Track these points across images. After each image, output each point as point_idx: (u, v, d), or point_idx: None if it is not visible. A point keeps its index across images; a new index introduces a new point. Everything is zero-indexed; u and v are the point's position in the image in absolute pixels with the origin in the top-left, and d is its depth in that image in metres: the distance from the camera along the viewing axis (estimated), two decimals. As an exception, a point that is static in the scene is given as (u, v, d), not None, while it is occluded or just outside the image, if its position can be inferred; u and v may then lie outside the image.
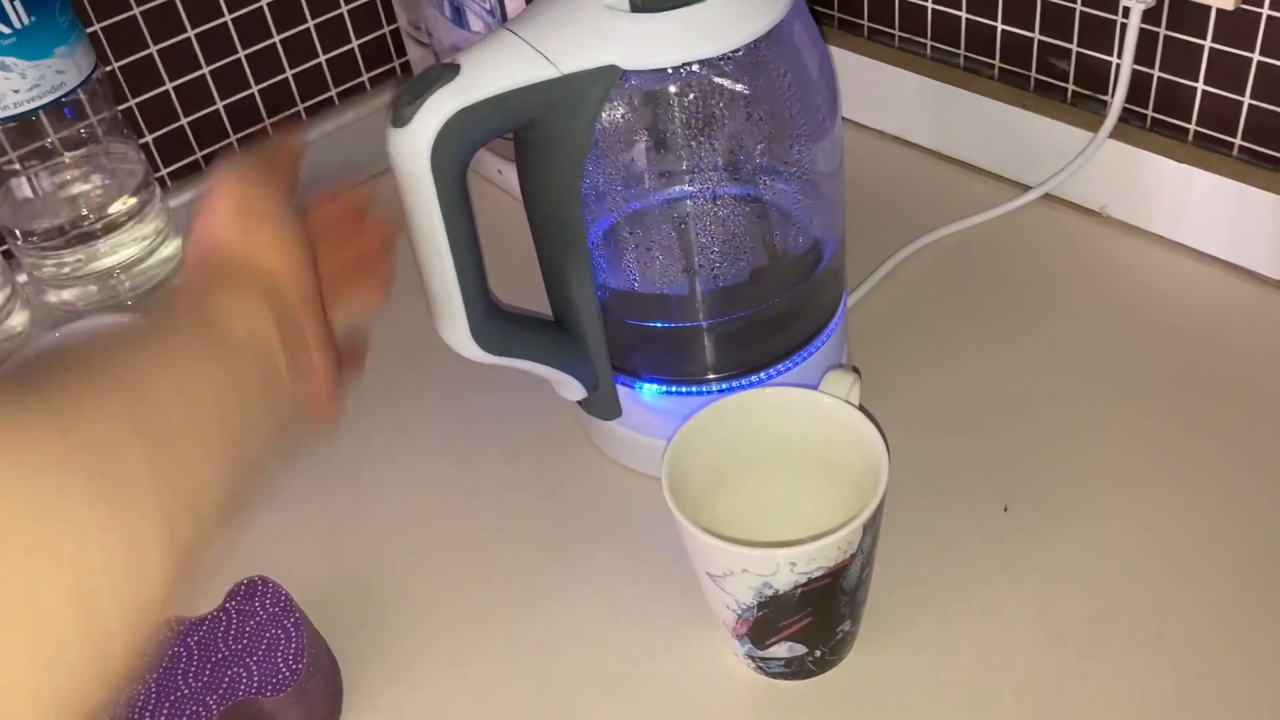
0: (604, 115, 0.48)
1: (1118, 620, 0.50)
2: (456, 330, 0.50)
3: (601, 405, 0.57)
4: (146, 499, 0.30)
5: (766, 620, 0.45)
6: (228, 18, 0.76)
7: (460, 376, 0.65)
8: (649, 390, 0.56)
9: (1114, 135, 0.67)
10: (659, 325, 0.55)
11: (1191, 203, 0.66)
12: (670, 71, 0.47)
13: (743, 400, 0.49)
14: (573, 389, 0.56)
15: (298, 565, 0.57)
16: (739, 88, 0.48)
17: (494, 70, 0.45)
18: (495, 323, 0.51)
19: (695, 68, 0.46)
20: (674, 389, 0.55)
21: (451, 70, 0.45)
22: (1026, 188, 0.72)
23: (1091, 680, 0.48)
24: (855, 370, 0.50)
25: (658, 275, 0.53)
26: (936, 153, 0.77)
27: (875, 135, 0.80)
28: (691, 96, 0.48)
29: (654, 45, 0.45)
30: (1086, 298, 0.65)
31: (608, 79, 0.45)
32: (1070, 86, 0.70)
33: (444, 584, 0.56)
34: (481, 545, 0.57)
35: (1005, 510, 0.55)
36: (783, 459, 0.50)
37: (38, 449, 0.28)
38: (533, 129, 0.48)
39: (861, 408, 0.48)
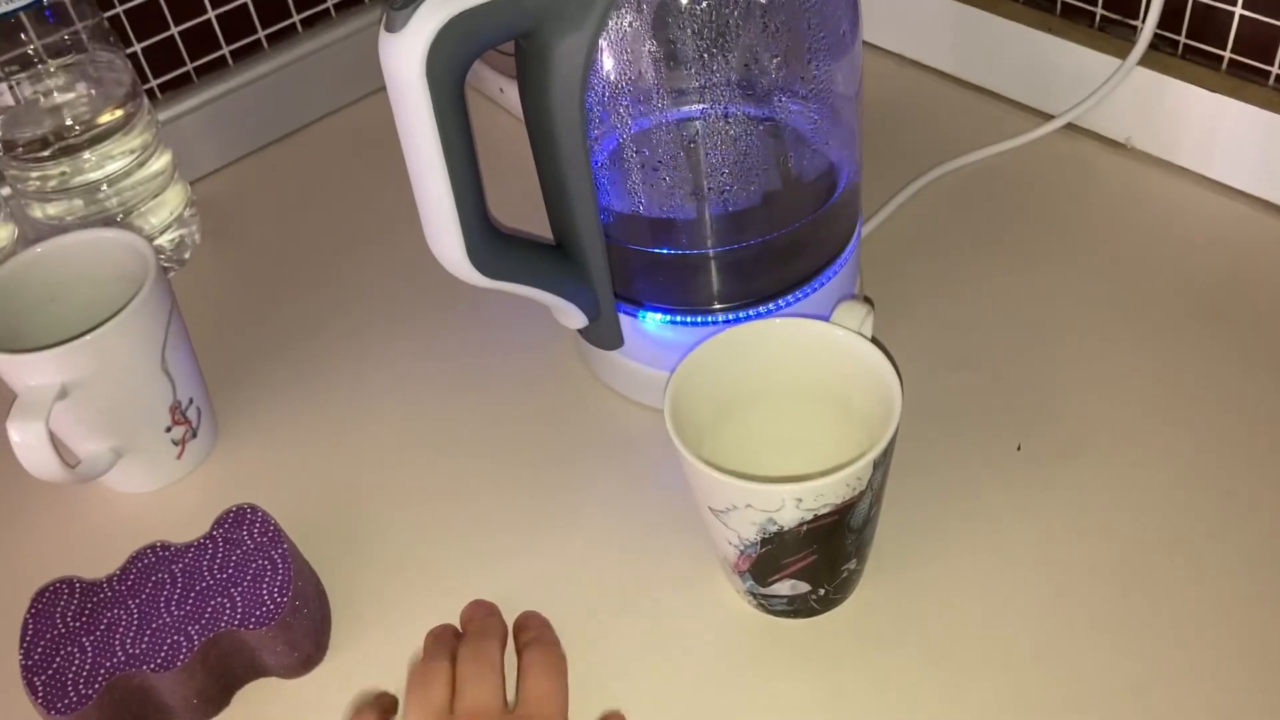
0: (611, 24, 0.45)
1: (1130, 561, 0.48)
2: (452, 250, 0.48)
3: (603, 334, 0.55)
4: None
5: (770, 557, 0.44)
6: (220, -79, 0.73)
7: (456, 305, 0.64)
8: (652, 319, 0.54)
9: (1143, 63, 0.64)
10: (665, 251, 0.52)
11: (1222, 135, 0.63)
12: None
13: (751, 330, 0.47)
14: (573, 317, 0.54)
15: (287, 495, 0.56)
16: None
17: None
18: (493, 244, 0.49)
19: None
20: (678, 319, 0.53)
21: None
22: (1049, 116, 0.69)
23: (1100, 623, 0.46)
24: (869, 301, 0.47)
25: (665, 198, 0.51)
26: (957, 78, 0.74)
27: (894, 59, 0.77)
28: (705, 5, 0.45)
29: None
30: (1108, 231, 0.63)
31: None
32: (1099, 10, 0.67)
33: (438, 516, 0.54)
34: (477, 477, 0.56)
35: (1019, 449, 0.53)
36: (791, 392, 0.48)
37: None
38: (534, 38, 0.45)
39: (874, 340, 0.46)
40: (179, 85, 0.76)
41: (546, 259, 0.52)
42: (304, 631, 0.47)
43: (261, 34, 0.78)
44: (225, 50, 0.77)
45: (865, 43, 0.77)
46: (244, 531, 0.48)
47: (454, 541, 0.53)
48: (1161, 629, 0.46)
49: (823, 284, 0.54)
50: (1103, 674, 0.45)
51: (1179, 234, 0.62)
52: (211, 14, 0.75)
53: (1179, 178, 0.65)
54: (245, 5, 0.76)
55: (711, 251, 0.52)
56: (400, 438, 0.58)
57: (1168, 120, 0.65)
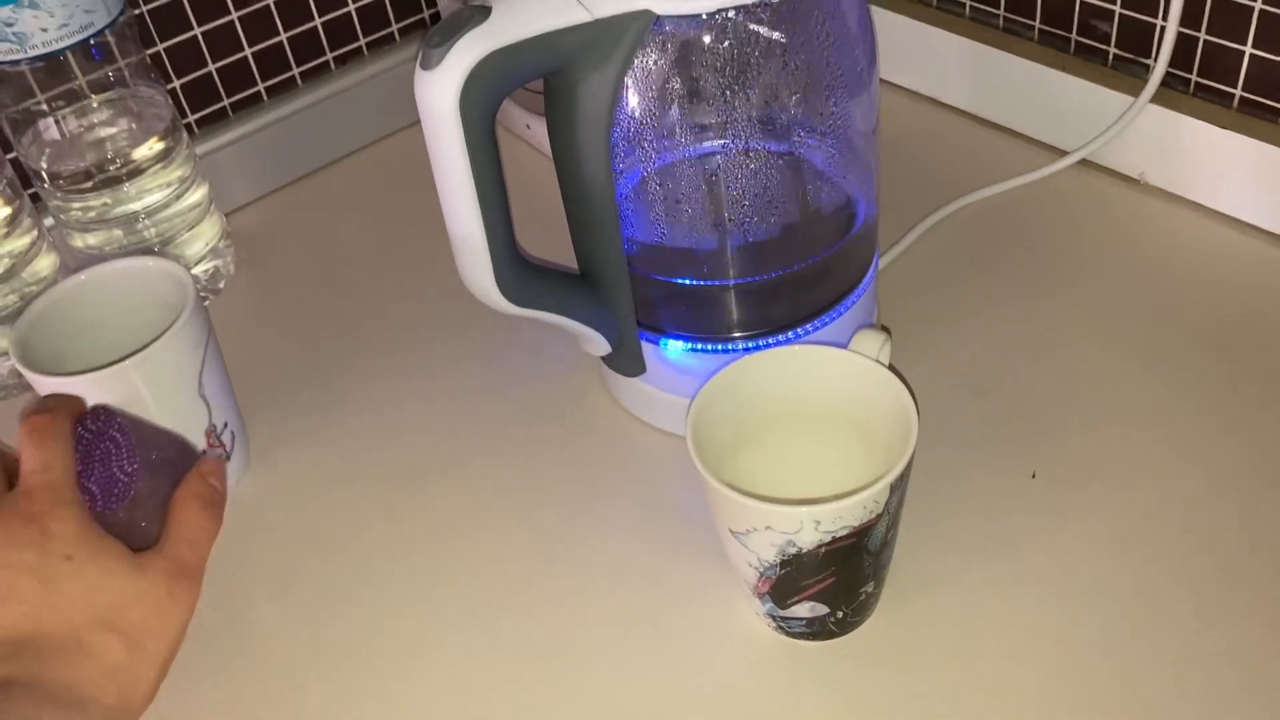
0: (636, 62, 0.47)
1: (1144, 590, 0.49)
2: (482, 279, 0.49)
3: (625, 361, 0.56)
4: None
5: (789, 579, 0.45)
6: (257, -37, 0.75)
7: (483, 334, 0.65)
8: (674, 347, 0.55)
9: (1155, 100, 0.65)
10: (686, 282, 0.54)
11: (1234, 171, 0.64)
12: (705, 17, 0.45)
13: (770, 357, 0.48)
14: (597, 344, 0.55)
15: (317, 517, 0.57)
16: (776, 36, 0.47)
17: (526, 13, 0.44)
18: (521, 273, 0.51)
19: (731, 13, 0.45)
20: (699, 346, 0.55)
21: (482, 12, 0.44)
22: (1063, 153, 0.70)
23: (1113, 653, 0.47)
24: (886, 330, 0.49)
25: (687, 230, 0.53)
26: (973, 115, 0.76)
27: (911, 96, 0.78)
28: (727, 44, 0.47)
29: (689, -10, 0.44)
30: (1122, 265, 0.64)
31: (641, 23, 0.45)
32: (1112, 49, 0.69)
33: (463, 538, 0.55)
34: (500, 497, 0.57)
35: (1033, 477, 0.54)
36: (809, 418, 0.49)
37: None
38: (563, 75, 0.47)
39: (892, 368, 0.47)
40: (216, 120, 0.78)
41: (572, 288, 0.54)
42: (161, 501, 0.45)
43: (296, 71, 0.80)
44: (260, 87, 0.79)
45: (884, 81, 0.79)
46: (83, 426, 0.45)
47: (479, 561, 0.54)
48: (1174, 660, 0.46)
49: (840, 314, 0.55)
50: (1114, 703, 0.45)
51: (1192, 268, 0.63)
52: (248, 51, 0.77)
53: (1192, 212, 0.67)
54: (280, 44, 0.79)
55: (732, 282, 0.54)
56: (428, 462, 0.59)
57: (1180, 156, 0.66)
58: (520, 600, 0.52)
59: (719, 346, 0.54)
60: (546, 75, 0.47)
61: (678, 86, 0.48)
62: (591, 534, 0.55)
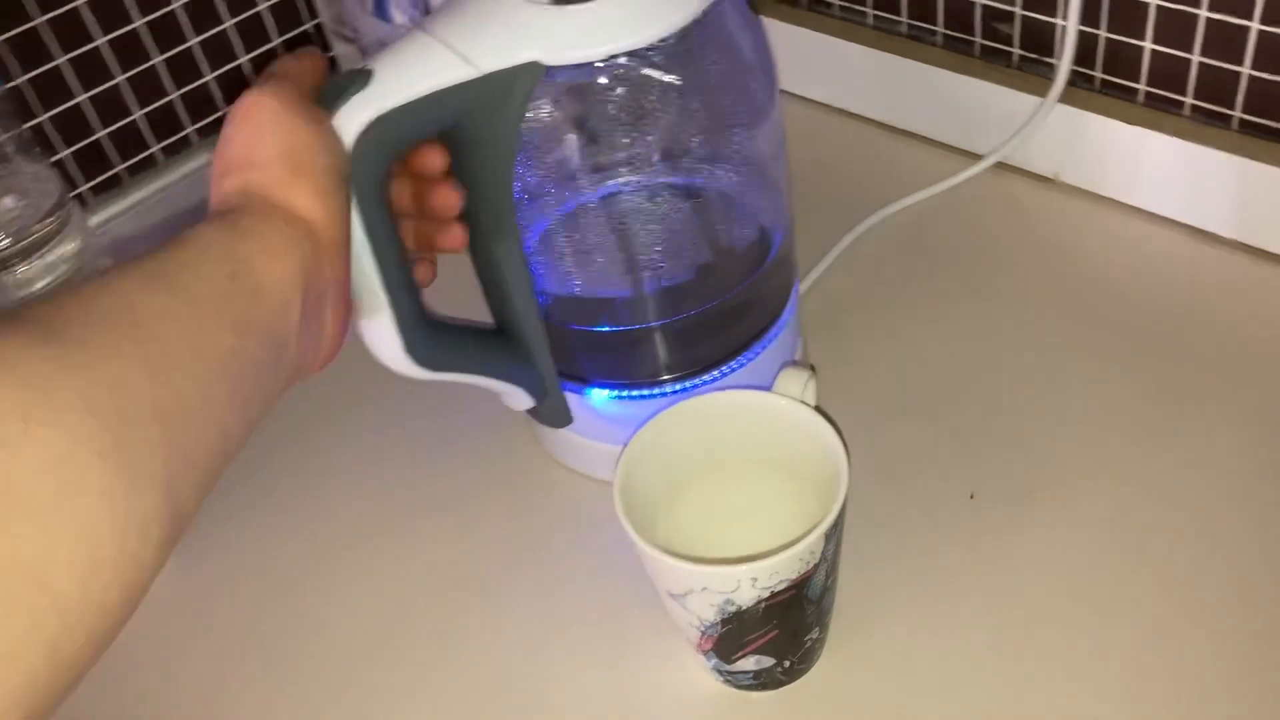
0: (531, 114, 0.45)
1: (1089, 605, 0.48)
2: (389, 347, 0.47)
3: (551, 413, 0.55)
4: (156, 470, 0.29)
5: (731, 635, 0.44)
6: (139, 22, 0.73)
7: (400, 396, 0.63)
8: (598, 396, 0.54)
9: (1063, 100, 0.65)
10: (605, 329, 0.53)
11: (1145, 165, 0.64)
12: (597, 66, 0.44)
13: (694, 406, 0.47)
14: (519, 399, 0.54)
15: (252, 606, 0.55)
16: (670, 78, 0.45)
17: (409, 74, 0.42)
18: (431, 336, 0.49)
19: (622, 60, 0.44)
20: (625, 393, 0.53)
21: (363, 76, 0.42)
22: (977, 157, 0.70)
23: (1069, 670, 0.46)
24: (811, 368, 0.48)
25: (599, 277, 0.51)
26: (883, 124, 0.75)
27: (818, 109, 0.78)
28: (620, 90, 0.45)
29: (576, 38, 0.43)
30: (1043, 268, 0.64)
31: (530, 76, 0.43)
32: (1016, 50, 0.68)
33: (392, 599, 0.54)
34: (431, 557, 0.55)
35: (971, 498, 0.53)
36: (740, 463, 0.48)
37: (50, 392, 0.27)
38: (458, 132, 0.45)
39: (818, 408, 0.46)
40: (110, 188, 0.75)
41: (487, 345, 0.52)
42: None
43: (190, 129, 0.77)
44: (154, 149, 0.77)
45: (789, 94, 0.78)
46: None
47: (408, 623, 0.52)
48: (1129, 676, 0.46)
49: (765, 347, 0.54)
50: (1071, 723, 0.45)
51: (1113, 266, 0.63)
52: (138, 114, 0.75)
53: (1108, 209, 0.66)
54: (171, 103, 0.76)
55: (652, 326, 0.52)
56: (359, 533, 0.57)
57: (1091, 153, 0.66)
58: (460, 666, 0.50)
59: (644, 392, 0.53)
60: (441, 133, 0.46)
61: (576, 135, 0.47)
62: (527, 589, 0.53)
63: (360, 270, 0.45)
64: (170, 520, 0.29)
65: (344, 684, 0.51)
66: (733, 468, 0.48)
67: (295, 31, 0.80)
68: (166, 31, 0.74)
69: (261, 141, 0.39)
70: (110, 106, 0.73)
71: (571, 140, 0.47)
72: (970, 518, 0.52)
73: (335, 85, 0.42)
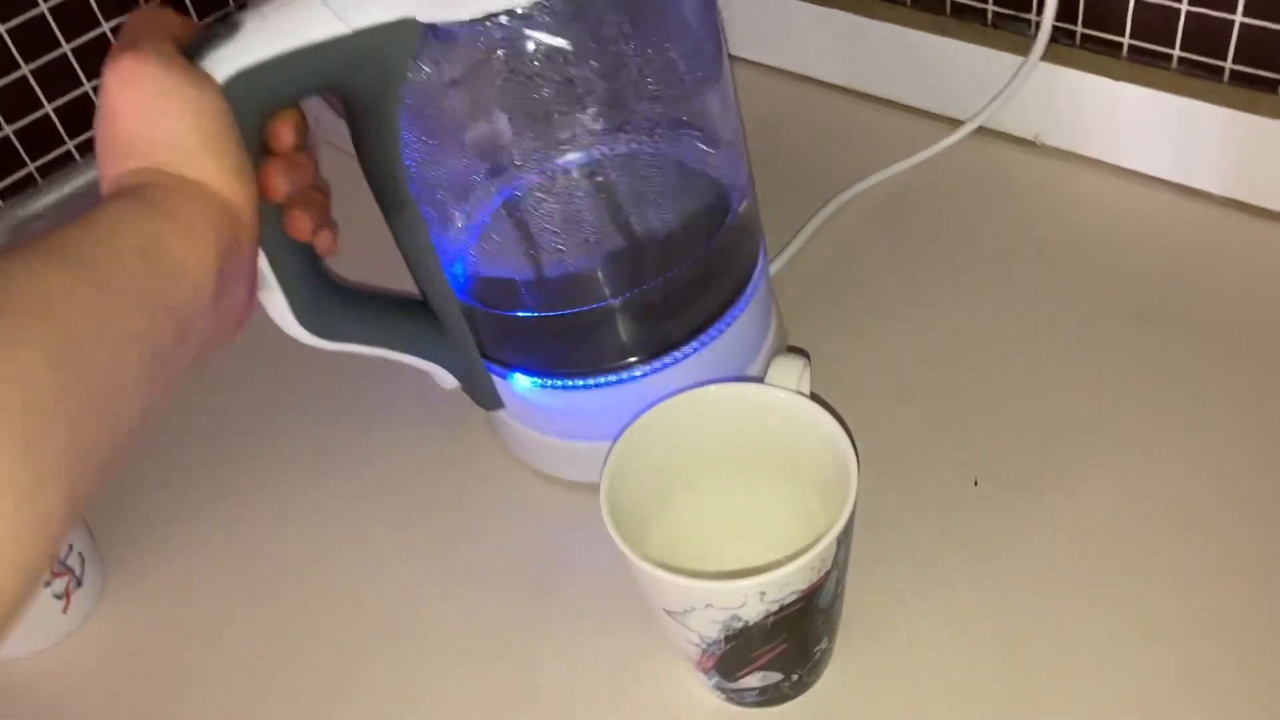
0: (426, 79, 0.41)
1: (1104, 598, 0.45)
2: (282, 316, 0.44)
3: (480, 395, 0.51)
4: (61, 463, 0.28)
5: (736, 652, 0.40)
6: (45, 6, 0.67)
7: (332, 384, 0.59)
8: (521, 383, 0.49)
9: (1045, 57, 0.62)
10: (523, 314, 0.48)
11: (1131, 123, 0.61)
12: (488, 24, 0.40)
13: (685, 402, 0.43)
14: (442, 378, 0.50)
15: (187, 639, 0.50)
16: (560, 42, 0.41)
17: (275, 28, 0.38)
18: (328, 302, 0.45)
19: (505, 20, 0.40)
20: (549, 382, 0.49)
21: (229, 28, 0.38)
22: (955, 122, 0.66)
23: (1080, 668, 0.43)
24: (804, 354, 0.44)
25: (516, 261, 0.47)
26: (854, 91, 0.71)
27: (784, 76, 0.74)
28: (520, 51, 0.41)
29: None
30: (1032, 235, 0.60)
31: (406, 35, 0.39)
32: (990, 7, 0.65)
33: (353, 620, 0.49)
34: (393, 584, 0.51)
35: (975, 484, 0.50)
36: (735, 461, 0.44)
37: None
38: (343, 92, 0.41)
39: (815, 396, 0.42)
40: (24, 187, 0.70)
41: (403, 318, 0.48)
42: None
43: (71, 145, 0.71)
44: (70, 145, 0.71)
45: (751, 61, 0.74)
46: None
47: (378, 650, 0.48)
48: (1139, 665, 0.43)
49: (730, 322, 0.49)
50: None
51: (1103, 230, 0.60)
52: (49, 108, 0.69)
53: (1091, 170, 0.63)
54: (87, 94, 0.70)
55: (578, 311, 0.48)
56: (307, 546, 0.53)
57: (1074, 113, 0.63)
58: (433, 691, 0.46)
59: (574, 382, 0.49)
60: (322, 93, 0.42)
61: (473, 104, 0.43)
62: (498, 604, 0.49)
63: None
64: (70, 512, 0.29)
65: (309, 707, 0.46)
66: (727, 468, 0.44)
67: None
68: (73, 19, 0.68)
69: (163, 116, 0.35)
70: (18, 99, 0.68)
71: (468, 111, 0.43)
72: (975, 506, 0.49)
73: (199, 37, 0.38)
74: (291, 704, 0.47)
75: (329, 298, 0.45)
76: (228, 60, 0.37)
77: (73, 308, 0.30)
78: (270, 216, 0.40)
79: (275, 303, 0.43)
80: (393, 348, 0.48)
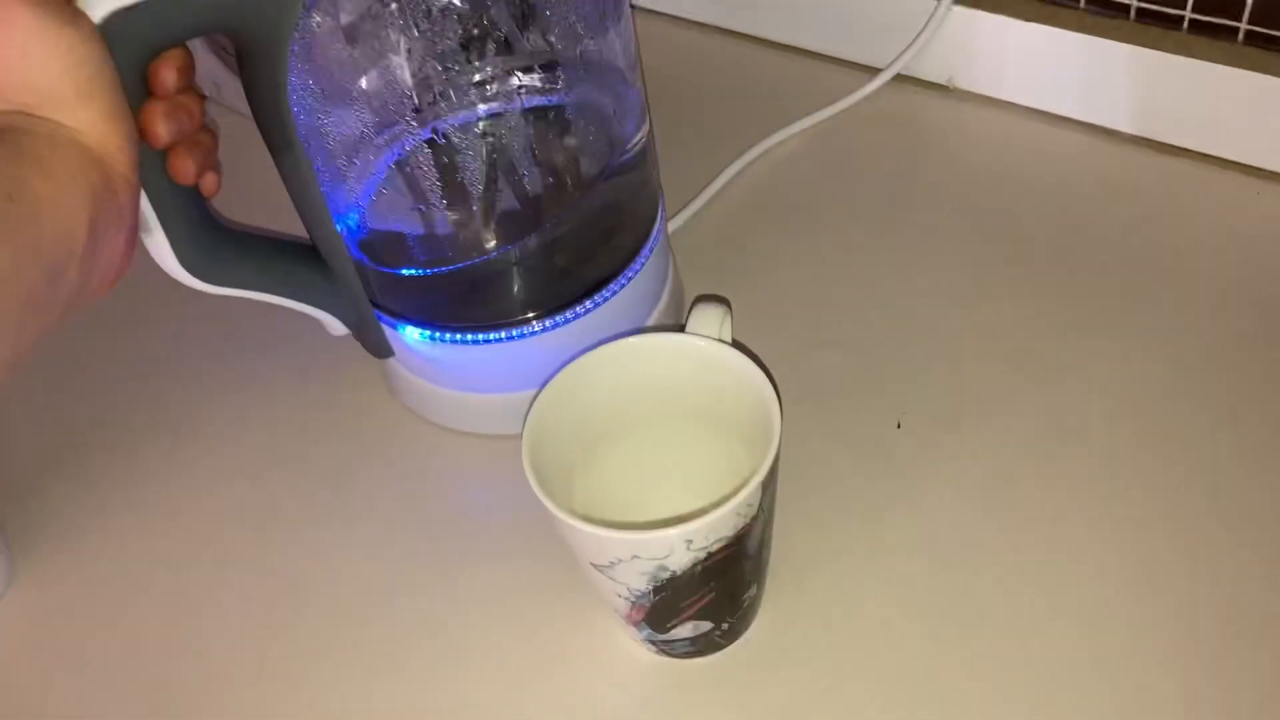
0: (321, 24, 0.40)
1: (1028, 532, 0.46)
2: (162, 254, 0.42)
3: (371, 342, 0.51)
4: None
5: (665, 604, 0.40)
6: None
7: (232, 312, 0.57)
8: (412, 335, 0.49)
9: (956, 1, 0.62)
10: (426, 273, 0.47)
11: (1042, 63, 0.61)
12: None
13: (604, 355, 0.42)
14: (331, 325, 0.49)
15: (104, 622, 0.49)
16: None
17: None
18: (213, 245, 0.44)
19: None
20: (439, 335, 0.48)
21: None
22: (872, 70, 0.66)
23: (1013, 605, 0.44)
24: (724, 301, 0.43)
25: (414, 216, 0.47)
26: (769, 41, 0.71)
27: (686, 25, 0.73)
28: None
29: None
30: (949, 180, 0.61)
31: None
32: (900, -50, 0.64)
33: (284, 622, 0.48)
34: (301, 534, 0.50)
35: (899, 427, 0.50)
36: (657, 413, 0.44)
37: None
38: (230, 34, 0.40)
39: (736, 343, 0.42)
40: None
41: (294, 262, 0.47)
42: None
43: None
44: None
45: (660, 13, 0.73)
46: None
47: (307, 642, 0.47)
48: (1066, 604, 0.43)
49: (631, 276, 0.49)
50: (1012, 662, 0.42)
51: (1019, 172, 0.60)
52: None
53: (1007, 113, 0.64)
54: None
55: (470, 264, 0.48)
56: (231, 519, 0.51)
57: (986, 56, 0.63)
58: (356, 661, 0.45)
59: (481, 336, 0.48)
60: (208, 34, 0.41)
61: (363, 52, 0.42)
62: (420, 572, 0.48)
63: None
64: None
65: (224, 690, 0.45)
66: (651, 420, 0.44)
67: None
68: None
69: (33, 58, 0.33)
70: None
71: (363, 56, 0.42)
72: (899, 448, 0.49)
73: None
74: (204, 670, 0.46)
75: (215, 241, 0.44)
76: (100, 3, 0.35)
77: None
78: (153, 159, 0.39)
79: (159, 245, 0.42)
80: (280, 293, 0.47)
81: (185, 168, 0.40)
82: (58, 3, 0.34)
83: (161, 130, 0.38)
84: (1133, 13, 0.59)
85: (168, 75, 0.38)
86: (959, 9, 0.62)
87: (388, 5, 0.40)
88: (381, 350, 0.51)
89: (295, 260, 0.47)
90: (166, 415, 0.56)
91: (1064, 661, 0.42)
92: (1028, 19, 0.60)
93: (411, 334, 0.49)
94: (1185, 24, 0.58)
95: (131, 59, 0.36)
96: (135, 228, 0.39)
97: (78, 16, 0.34)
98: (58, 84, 0.34)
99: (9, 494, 0.53)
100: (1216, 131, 0.58)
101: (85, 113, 0.34)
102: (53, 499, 0.53)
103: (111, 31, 0.35)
